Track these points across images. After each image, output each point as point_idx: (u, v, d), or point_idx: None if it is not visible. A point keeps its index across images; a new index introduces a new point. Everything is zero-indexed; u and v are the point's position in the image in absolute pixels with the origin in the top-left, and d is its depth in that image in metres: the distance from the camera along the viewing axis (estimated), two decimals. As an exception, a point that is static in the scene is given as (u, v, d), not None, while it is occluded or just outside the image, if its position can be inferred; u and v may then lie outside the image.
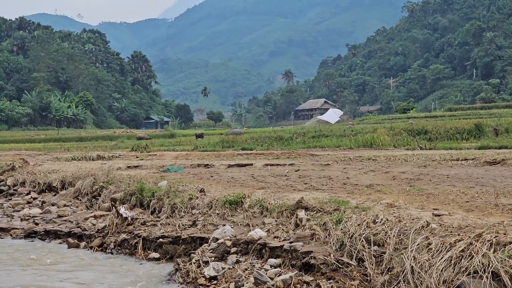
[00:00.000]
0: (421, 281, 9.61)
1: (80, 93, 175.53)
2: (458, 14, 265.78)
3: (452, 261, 9.58)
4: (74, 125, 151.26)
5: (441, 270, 9.52)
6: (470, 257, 9.39)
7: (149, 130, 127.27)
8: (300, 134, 61.82)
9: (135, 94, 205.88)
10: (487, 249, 9.36)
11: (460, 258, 9.54)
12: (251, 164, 30.47)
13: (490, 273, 8.91)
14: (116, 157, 40.32)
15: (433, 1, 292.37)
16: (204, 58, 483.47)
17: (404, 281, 9.96)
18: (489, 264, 9.03)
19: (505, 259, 8.94)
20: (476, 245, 9.58)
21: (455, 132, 50.83)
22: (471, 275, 9.19)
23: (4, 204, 24.76)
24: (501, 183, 18.58)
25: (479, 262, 9.17)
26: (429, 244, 10.31)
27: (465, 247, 9.70)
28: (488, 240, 9.60)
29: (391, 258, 10.73)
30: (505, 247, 9.34)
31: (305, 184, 20.05)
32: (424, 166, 26.52)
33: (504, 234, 9.84)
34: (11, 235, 20.30)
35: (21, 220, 21.76)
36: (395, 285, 10.12)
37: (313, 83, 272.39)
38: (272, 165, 29.79)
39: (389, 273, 10.52)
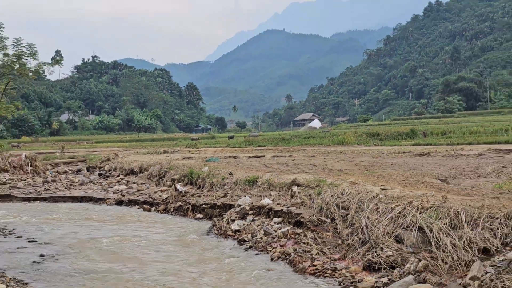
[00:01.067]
0: (372, 232, 10.92)
1: (153, 110, 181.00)
2: (400, 57, 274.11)
3: (393, 220, 10.92)
4: (149, 131, 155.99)
5: (385, 225, 10.86)
6: (404, 217, 10.72)
7: (198, 134, 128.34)
8: (296, 136, 62.73)
9: (189, 110, 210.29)
10: (415, 212, 10.67)
11: (398, 217, 10.90)
12: (263, 156, 32.24)
13: (417, 227, 10.27)
14: (176, 151, 41.60)
15: (383, 48, 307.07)
16: (233, 87, 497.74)
17: (361, 233, 11.25)
18: (416, 221, 10.34)
19: (426, 218, 10.24)
20: (408, 209, 10.91)
21: (397, 134, 52.42)
22: (405, 229, 10.49)
23: (102, 183, 26.97)
24: (426, 168, 20.06)
25: (410, 220, 10.50)
26: (378, 208, 11.65)
27: (401, 210, 11.04)
28: (416, 206, 10.94)
29: (353, 217, 12.05)
30: (427, 210, 10.62)
31: (298, 169, 21.60)
32: (376, 157, 27.93)
33: (427, 202, 11.12)
34: (106, 203, 22.35)
35: (113, 193, 23.67)
36: (355, 236, 11.40)
37: (305, 103, 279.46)
38: (277, 156, 31.31)
39: (352, 227, 11.80)
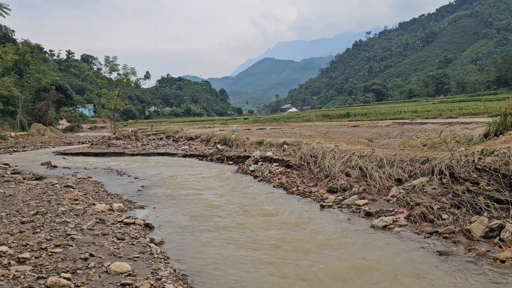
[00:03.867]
0: (331, 170, 10.68)
1: (201, 104, 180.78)
2: (339, 72, 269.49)
3: (343, 163, 10.66)
4: (199, 116, 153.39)
5: (339, 166, 10.63)
6: (350, 161, 10.49)
7: (226, 117, 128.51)
8: (282, 117, 63.46)
9: (221, 104, 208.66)
10: (357, 158, 10.44)
11: (346, 162, 10.65)
12: (264, 128, 31.57)
13: (358, 167, 10.06)
14: (215, 127, 40.39)
15: (330, 67, 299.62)
16: (246, 90, 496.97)
17: (325, 171, 10.99)
18: (357, 164, 10.15)
19: (364, 162, 10.04)
20: (353, 157, 10.65)
21: (339, 115, 52.71)
22: (351, 168, 10.28)
23: (174, 145, 26.52)
24: (358, 133, 19.79)
25: (354, 163, 10.29)
26: (334, 156, 11.33)
27: (348, 158, 10.76)
28: (357, 155, 10.67)
29: (319, 162, 11.77)
30: (363, 157, 10.35)
31: (285, 135, 20.58)
32: (328, 128, 27.37)
33: (362, 152, 10.81)
34: (177, 156, 22.03)
35: (181, 150, 23.29)
36: (321, 172, 11.14)
37: (286, 99, 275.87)
38: (273, 128, 30.71)
39: (319, 168, 11.53)
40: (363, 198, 8.91)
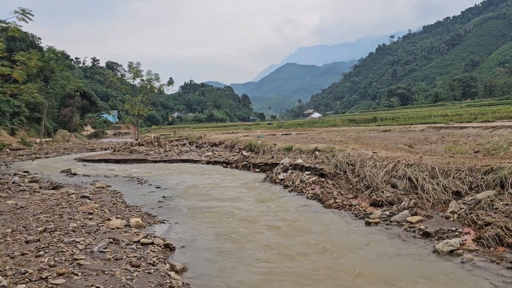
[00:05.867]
0: (373, 180, 9.52)
1: (224, 109, 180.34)
2: (362, 76, 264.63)
3: (388, 172, 9.45)
4: (222, 121, 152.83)
5: (382, 176, 9.43)
6: (396, 171, 9.27)
7: (249, 122, 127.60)
8: (306, 122, 62.03)
9: (243, 109, 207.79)
10: (404, 167, 9.20)
11: (391, 171, 9.42)
12: (290, 134, 29.83)
13: (407, 177, 8.85)
14: (239, 132, 39.70)
15: (353, 72, 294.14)
16: (268, 95, 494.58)
17: (365, 181, 9.85)
18: (406, 174, 8.93)
19: (412, 171, 8.81)
20: (398, 165, 9.41)
21: (366, 120, 50.86)
22: (397, 178, 9.08)
23: (198, 151, 25.43)
24: (394, 139, 18.06)
25: (402, 173, 9.06)
26: (375, 165, 10.11)
27: (393, 166, 9.53)
28: (403, 163, 9.43)
29: (358, 170, 10.60)
30: (411, 166, 9.11)
31: (314, 140, 19.22)
32: (358, 132, 25.60)
33: (408, 160, 9.57)
34: (201, 162, 20.99)
35: (204, 157, 22.29)
36: (361, 182, 10.02)
37: (309, 104, 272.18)
38: (298, 133, 29.04)
39: (358, 177, 10.37)
40: (416, 214, 7.66)
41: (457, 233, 6.60)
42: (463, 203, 7.35)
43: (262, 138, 25.15)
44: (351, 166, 11.11)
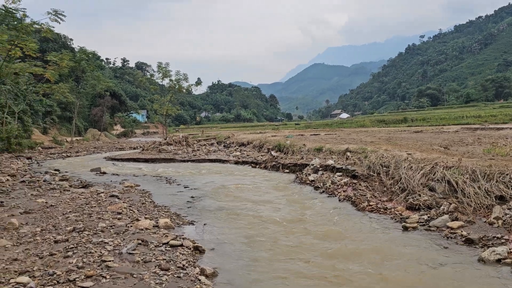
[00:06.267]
0: (409, 183, 9.09)
1: (251, 109, 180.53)
2: (391, 76, 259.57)
3: (424, 175, 9.03)
4: (249, 121, 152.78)
5: (419, 179, 9.01)
6: (434, 173, 8.85)
7: (277, 122, 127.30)
8: (334, 122, 61.31)
9: (271, 109, 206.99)
10: (442, 169, 8.76)
11: (429, 173, 9.01)
12: (319, 134, 29.40)
13: (446, 180, 8.41)
14: (266, 132, 39.04)
15: (381, 72, 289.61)
16: (295, 96, 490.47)
17: (400, 183, 9.43)
18: (444, 176, 8.49)
19: (452, 174, 8.37)
20: (437, 168, 8.97)
21: (395, 120, 49.90)
22: (435, 181, 8.63)
23: (226, 151, 25.34)
24: (427, 140, 17.58)
25: (440, 175, 8.61)
26: (411, 166, 9.68)
27: (430, 168, 9.10)
28: (441, 165, 8.99)
29: (392, 172, 10.18)
30: (450, 168, 8.67)
31: (344, 141, 18.79)
32: (388, 133, 25.04)
33: (446, 162, 9.13)
34: (229, 162, 20.86)
35: (233, 157, 22.16)
36: (395, 185, 9.61)
37: (336, 104, 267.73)
38: (327, 134, 28.63)
39: (392, 179, 9.95)
40: (456, 219, 7.24)
41: (503, 241, 6.17)
42: (508, 209, 6.90)
43: (290, 138, 24.81)
44: (384, 168, 10.70)
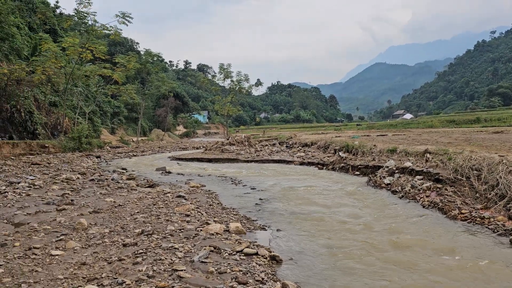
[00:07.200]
0: (509, 189, 7.98)
1: (311, 110, 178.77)
2: (458, 75, 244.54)
3: None
4: (308, 122, 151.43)
5: None
6: None
7: (337, 123, 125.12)
8: (400, 123, 58.53)
9: (330, 110, 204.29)
10: None
11: None
12: (386, 135, 27.97)
13: None
14: (329, 133, 38.37)
15: (448, 71, 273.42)
16: (356, 96, 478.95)
17: (497, 189, 8.34)
18: None
19: None
20: None
21: (467, 121, 46.73)
22: None
23: (289, 151, 24.55)
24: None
25: None
26: (510, 170, 8.57)
27: None
28: None
29: (485, 177, 9.00)
30: None
31: (418, 142, 17.42)
32: (463, 134, 23.08)
33: None
34: (294, 163, 20.17)
35: (297, 158, 21.35)
36: (491, 191, 8.49)
37: (399, 104, 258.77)
38: (395, 135, 27.06)
39: (486, 184, 8.80)
40: None
41: None
42: None
43: (357, 138, 23.69)
44: (475, 171, 9.52)
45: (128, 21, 29.60)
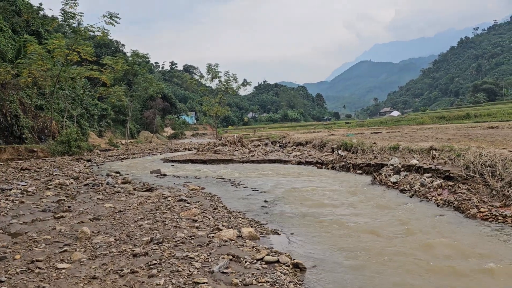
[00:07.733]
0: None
1: (298, 109, 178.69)
2: (443, 72, 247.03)
3: None
4: (296, 121, 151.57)
5: None
6: None
7: (324, 122, 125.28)
8: (390, 120, 58.71)
9: (317, 109, 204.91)
10: None
11: None
12: (380, 132, 27.95)
13: None
14: (320, 131, 38.14)
15: (432, 68, 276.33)
16: (342, 95, 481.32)
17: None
18: None
19: None
20: None
21: (457, 117, 46.86)
22: None
23: (283, 151, 24.27)
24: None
25: None
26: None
27: None
28: None
29: (500, 173, 8.77)
30: None
31: (417, 139, 16.86)
32: (459, 130, 22.73)
33: None
34: (291, 163, 19.86)
35: (293, 157, 21.08)
36: (509, 187, 8.26)
37: (385, 102, 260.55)
38: (389, 132, 26.85)
39: (502, 181, 8.56)
40: None
41: None
42: None
43: (351, 136, 23.46)
44: (488, 168, 9.26)
45: (116, 22, 28.98)
